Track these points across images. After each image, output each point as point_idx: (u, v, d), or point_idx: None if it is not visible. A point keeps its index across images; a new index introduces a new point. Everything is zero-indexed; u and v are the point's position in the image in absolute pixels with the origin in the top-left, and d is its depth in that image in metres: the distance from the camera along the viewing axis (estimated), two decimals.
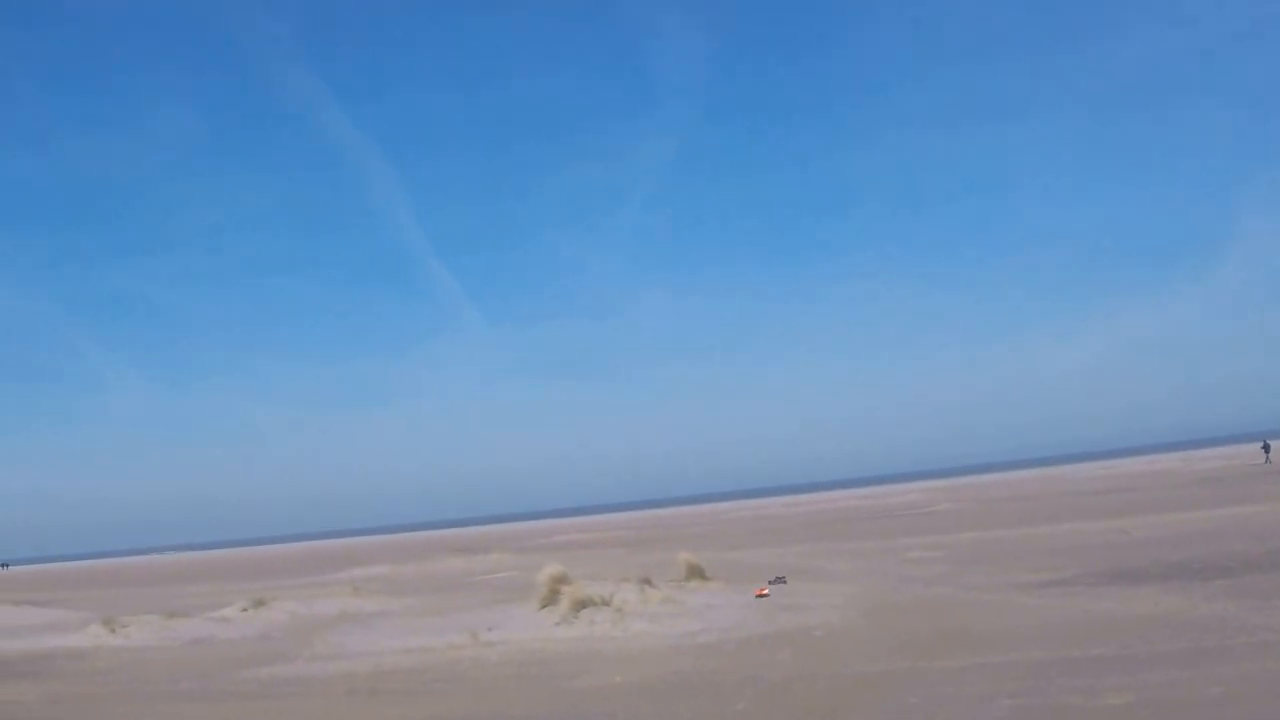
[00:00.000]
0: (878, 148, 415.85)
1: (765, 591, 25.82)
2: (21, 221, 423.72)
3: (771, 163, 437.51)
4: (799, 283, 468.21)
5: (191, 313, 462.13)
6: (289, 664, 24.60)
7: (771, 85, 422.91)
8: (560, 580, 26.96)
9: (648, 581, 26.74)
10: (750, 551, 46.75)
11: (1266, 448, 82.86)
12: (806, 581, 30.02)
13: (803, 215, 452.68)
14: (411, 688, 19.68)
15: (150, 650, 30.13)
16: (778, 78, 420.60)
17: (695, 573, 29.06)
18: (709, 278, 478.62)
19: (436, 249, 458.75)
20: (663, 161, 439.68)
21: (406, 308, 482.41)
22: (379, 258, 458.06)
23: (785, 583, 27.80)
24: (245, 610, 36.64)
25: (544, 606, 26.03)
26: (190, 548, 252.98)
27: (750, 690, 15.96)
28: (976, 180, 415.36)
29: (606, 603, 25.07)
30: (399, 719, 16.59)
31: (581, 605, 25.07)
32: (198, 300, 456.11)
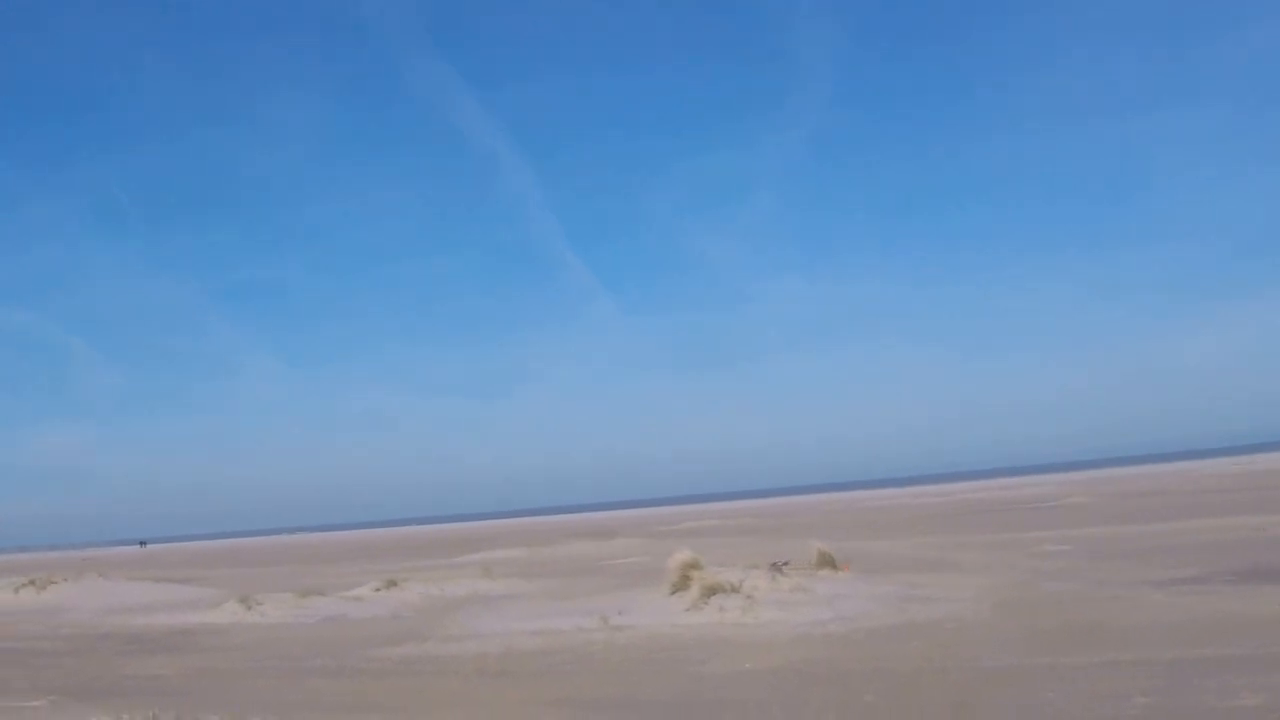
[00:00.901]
0: (1013, 137, 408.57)
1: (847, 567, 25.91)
2: (159, 211, 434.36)
3: (903, 151, 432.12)
4: (929, 271, 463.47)
5: (325, 299, 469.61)
6: (420, 644, 25.00)
7: (904, 73, 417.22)
8: (690, 566, 27.05)
9: (778, 569, 26.74)
10: (881, 541, 46.46)
11: None
12: (937, 573, 29.77)
13: (933, 204, 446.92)
14: (540, 669, 19.90)
15: (285, 628, 30.83)
16: (911, 65, 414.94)
17: (826, 561, 28.99)
18: (838, 266, 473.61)
19: (568, 236, 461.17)
20: (793, 149, 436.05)
21: (537, 294, 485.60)
22: (509, 245, 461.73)
23: (787, 564, 27.93)
24: (378, 590, 37.30)
25: (674, 592, 26.14)
26: (323, 529, 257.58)
27: (879, 681, 15.91)
28: (1113, 171, 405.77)
29: (736, 589, 25.10)
30: (528, 700, 16.77)
31: (711, 591, 25.13)
32: (331, 287, 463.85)
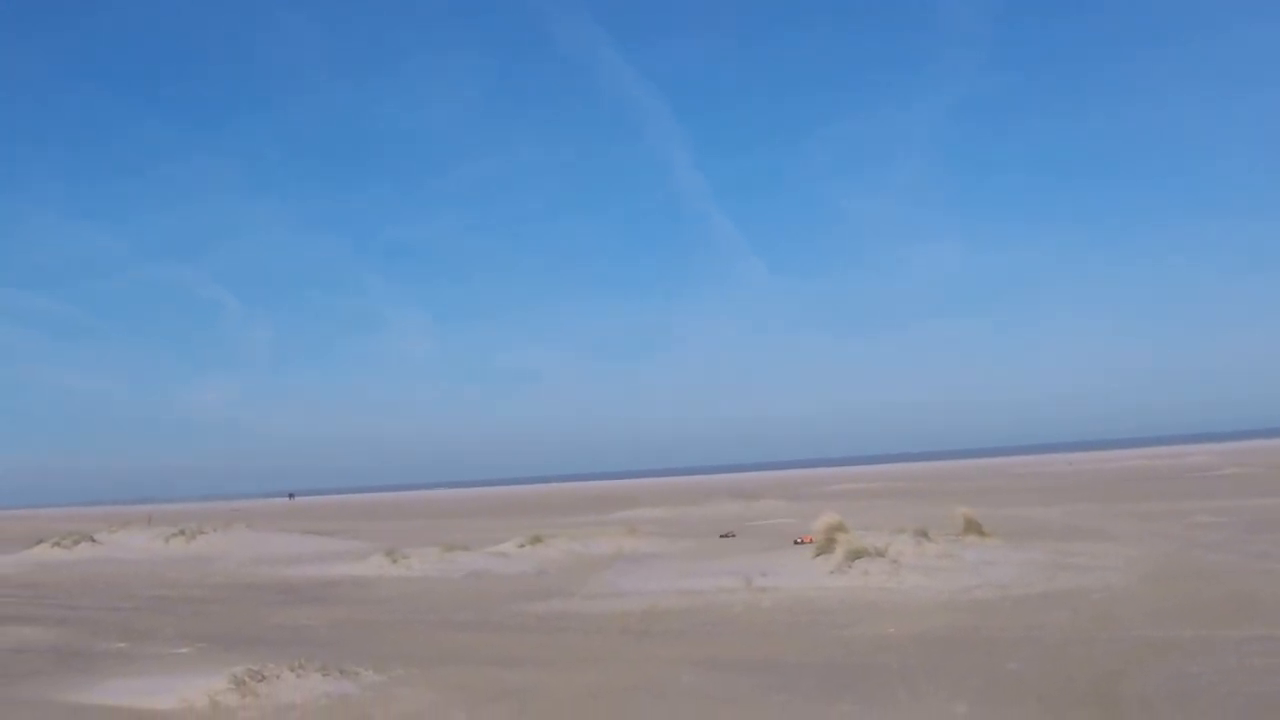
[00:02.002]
0: (1165, 103, 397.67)
1: (809, 539, 25.65)
2: (311, 168, 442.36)
3: (1053, 116, 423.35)
4: (1079, 239, 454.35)
5: (473, 256, 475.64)
6: (564, 600, 25.35)
7: (1056, 35, 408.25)
8: (835, 529, 27.04)
9: (924, 534, 26.59)
10: (1029, 509, 45.87)
11: None
12: (1087, 542, 29.36)
13: (1083, 170, 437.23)
14: (683, 629, 20.08)
15: (430, 581, 31.44)
16: (1065, 27, 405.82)
17: (973, 527, 28.72)
18: (987, 231, 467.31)
19: (716, 196, 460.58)
20: (943, 112, 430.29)
21: (683, 254, 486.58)
22: (657, 204, 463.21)
23: (734, 536, 27.54)
24: (523, 546, 37.80)
25: (818, 555, 26.16)
26: (468, 484, 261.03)
27: (1025, 650, 15.81)
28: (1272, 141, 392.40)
29: (881, 554, 25.03)
30: (670, 659, 16.94)
31: (856, 555, 25.10)
32: (479, 244, 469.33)
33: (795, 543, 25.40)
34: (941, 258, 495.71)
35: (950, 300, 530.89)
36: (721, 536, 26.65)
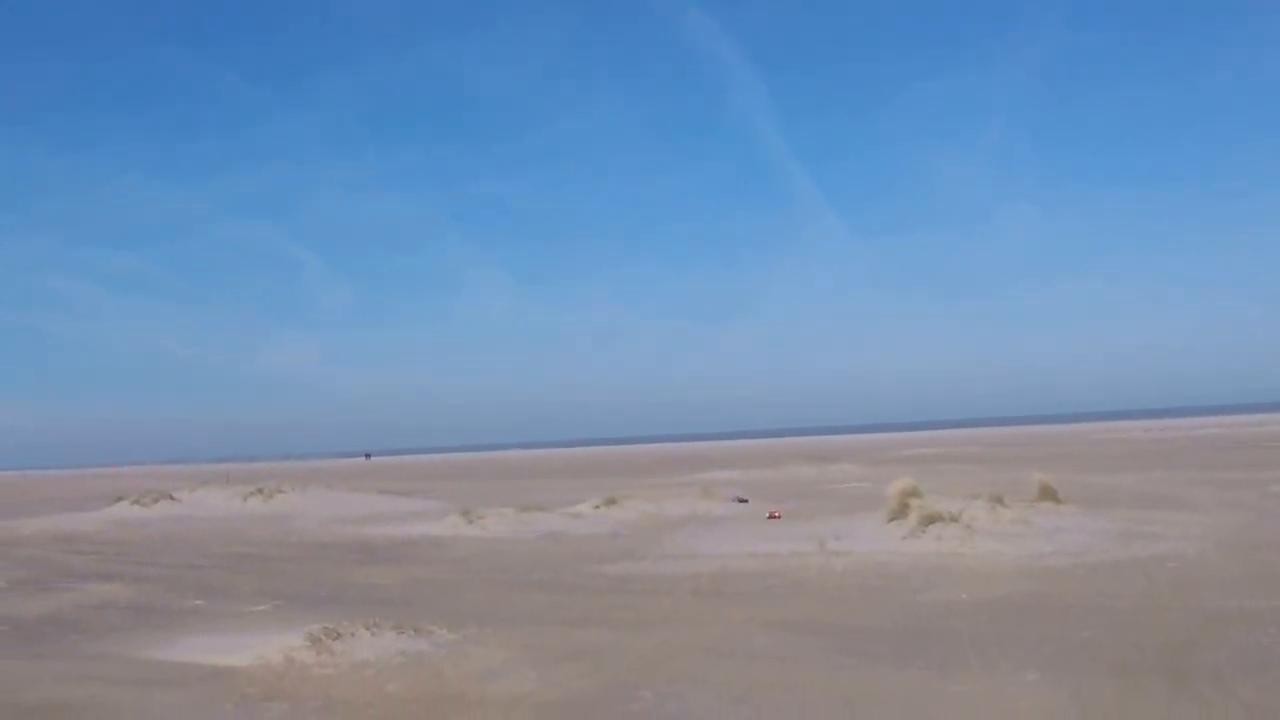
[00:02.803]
0: (1254, 66, 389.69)
1: (779, 514, 24.92)
2: (390, 127, 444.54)
3: (1141, 78, 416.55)
4: (1160, 201, 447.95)
5: (552, 216, 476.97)
6: (637, 562, 25.52)
7: None
8: (910, 494, 27.00)
9: (998, 500, 26.47)
10: (1105, 475, 45.48)
11: None
12: (1162, 510, 29.10)
13: (1165, 133, 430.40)
14: (756, 591, 20.18)
15: (505, 541, 31.74)
16: None
17: (1047, 494, 28.56)
18: (1068, 194, 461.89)
19: (797, 156, 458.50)
20: (1030, 73, 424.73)
21: (765, 214, 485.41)
22: (738, 164, 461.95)
23: (747, 502, 27.09)
24: (597, 508, 38.04)
25: (892, 519, 26.14)
26: (544, 445, 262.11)
27: (1097, 617, 15.76)
28: None
29: (955, 519, 24.99)
30: (742, 621, 17.05)
31: (930, 520, 25.07)
32: (559, 204, 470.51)
33: (769, 517, 25.42)
34: (1023, 221, 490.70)
35: (1030, 264, 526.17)
36: (736, 500, 26.43)
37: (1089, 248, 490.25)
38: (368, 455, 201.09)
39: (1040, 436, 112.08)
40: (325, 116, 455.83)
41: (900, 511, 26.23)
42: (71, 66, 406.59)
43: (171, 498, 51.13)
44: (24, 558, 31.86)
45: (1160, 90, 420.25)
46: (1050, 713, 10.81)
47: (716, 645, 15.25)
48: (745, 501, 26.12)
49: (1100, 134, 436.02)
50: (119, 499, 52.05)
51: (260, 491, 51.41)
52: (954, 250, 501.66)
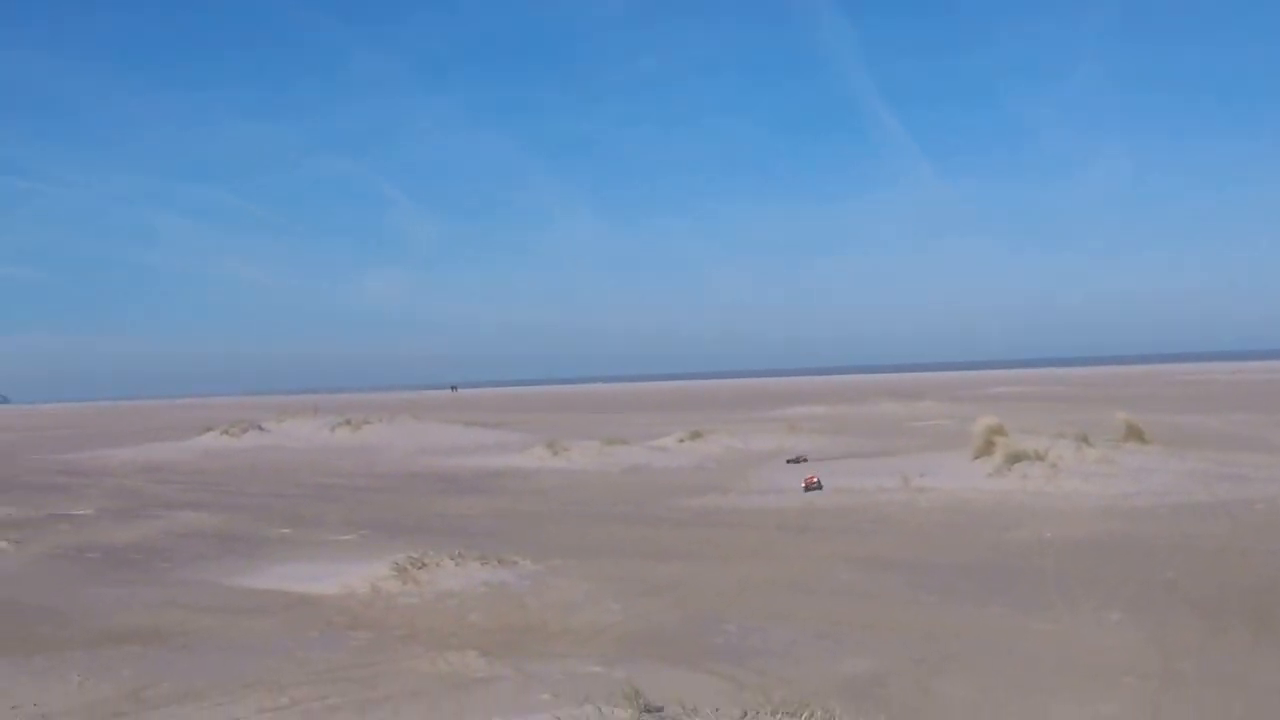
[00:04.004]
0: None
1: (815, 480, 23.56)
2: (479, 64, 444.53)
3: (1228, 29, 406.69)
4: (1246, 150, 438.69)
5: (640, 153, 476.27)
6: (721, 496, 25.64)
7: None
8: (995, 431, 26.86)
9: (1084, 439, 26.26)
10: (1192, 416, 44.85)
11: None
12: (1250, 452, 28.72)
13: (1263, 83, 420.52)
14: (841, 526, 20.25)
15: (590, 474, 32.00)
16: None
17: (1134, 434, 28.26)
18: (1156, 140, 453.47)
19: (885, 98, 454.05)
20: (1117, 18, 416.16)
21: (851, 153, 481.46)
22: (826, 102, 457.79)
23: (806, 462, 25.65)
24: (682, 441, 38.20)
25: (977, 457, 26.05)
26: (629, 379, 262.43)
27: (1181, 558, 15.68)
28: None
29: (1040, 457, 24.84)
30: (826, 556, 17.14)
31: (1015, 458, 24.95)
32: (646, 141, 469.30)
33: (805, 488, 23.14)
34: (1109, 165, 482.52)
35: (1114, 208, 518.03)
36: (789, 461, 25.39)
37: (1173, 192, 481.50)
38: (454, 388, 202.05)
39: (1124, 377, 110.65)
40: (414, 55, 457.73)
41: (985, 449, 26.12)
42: (165, 8, 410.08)
43: (260, 428, 51.96)
44: (113, 487, 32.59)
45: (1247, 40, 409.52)
46: (1132, 653, 10.82)
47: (800, 580, 15.37)
48: (803, 461, 24.93)
49: (1187, 81, 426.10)
50: (208, 429, 52.96)
51: (348, 423, 52.07)
52: (1039, 192, 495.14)
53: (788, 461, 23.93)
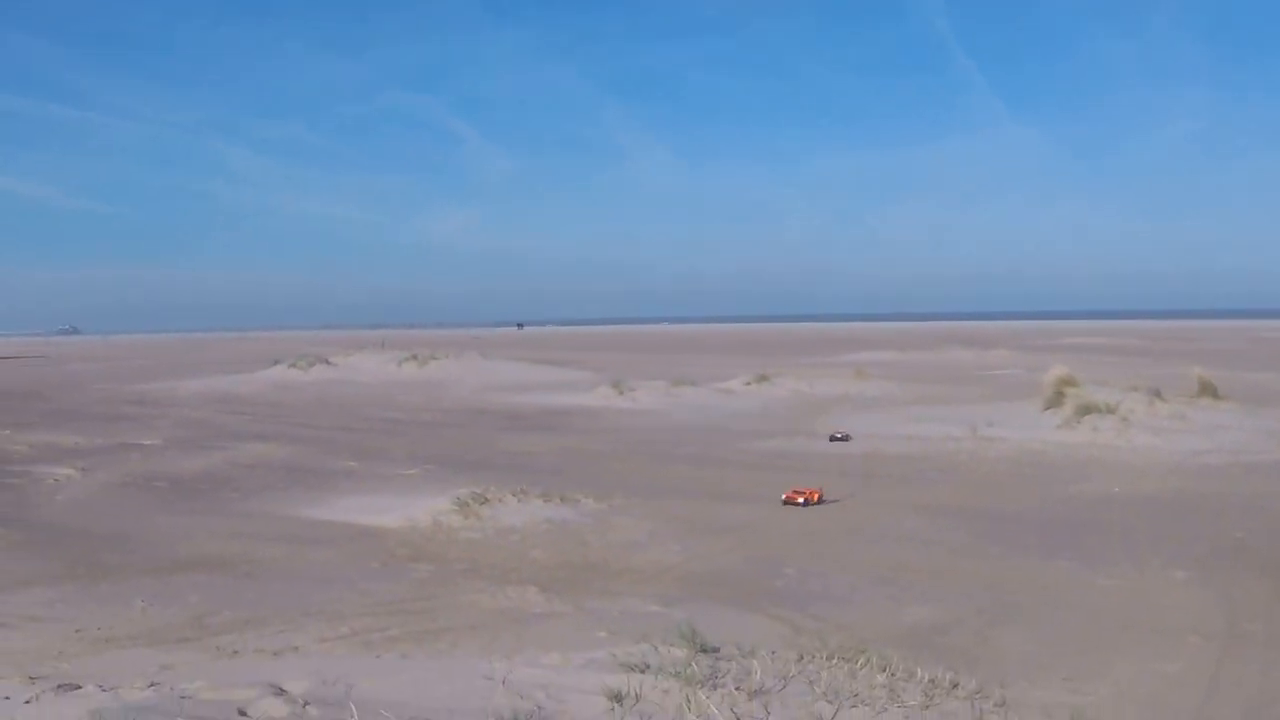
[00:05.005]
0: None
1: (799, 499, 17.31)
2: (554, 2, 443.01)
3: None
4: None
5: (716, 95, 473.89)
6: (788, 439, 25.59)
7: None
8: (1066, 383, 26.59)
9: (1156, 394, 25.93)
10: (1267, 374, 44.14)
11: None
12: None
13: None
14: (906, 474, 20.15)
15: (655, 414, 32.02)
16: None
17: (1207, 390, 27.84)
18: (1236, 89, 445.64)
19: (963, 43, 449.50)
20: None
21: (929, 97, 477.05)
22: (901, 43, 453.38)
23: (849, 440, 23.68)
24: (748, 384, 38.11)
25: (1047, 408, 25.80)
26: (697, 320, 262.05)
27: (1253, 518, 15.45)
28: None
29: (1111, 411, 24.56)
30: (891, 502, 17.07)
31: (1085, 410, 24.69)
32: (722, 83, 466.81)
33: (783, 501, 17.30)
34: (1187, 113, 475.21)
35: (1194, 156, 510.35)
36: (833, 439, 23.26)
37: (1252, 143, 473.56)
38: (520, 325, 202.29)
39: (1200, 331, 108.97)
40: None
41: (1056, 400, 25.87)
42: None
43: (327, 362, 52.41)
44: (182, 418, 33.02)
45: None
46: (1198, 613, 10.68)
47: (863, 526, 15.31)
48: (846, 439, 23.23)
49: (1269, 31, 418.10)
50: (276, 362, 53.47)
51: (415, 358, 52.37)
52: (1115, 139, 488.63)
53: (831, 439, 22.61)
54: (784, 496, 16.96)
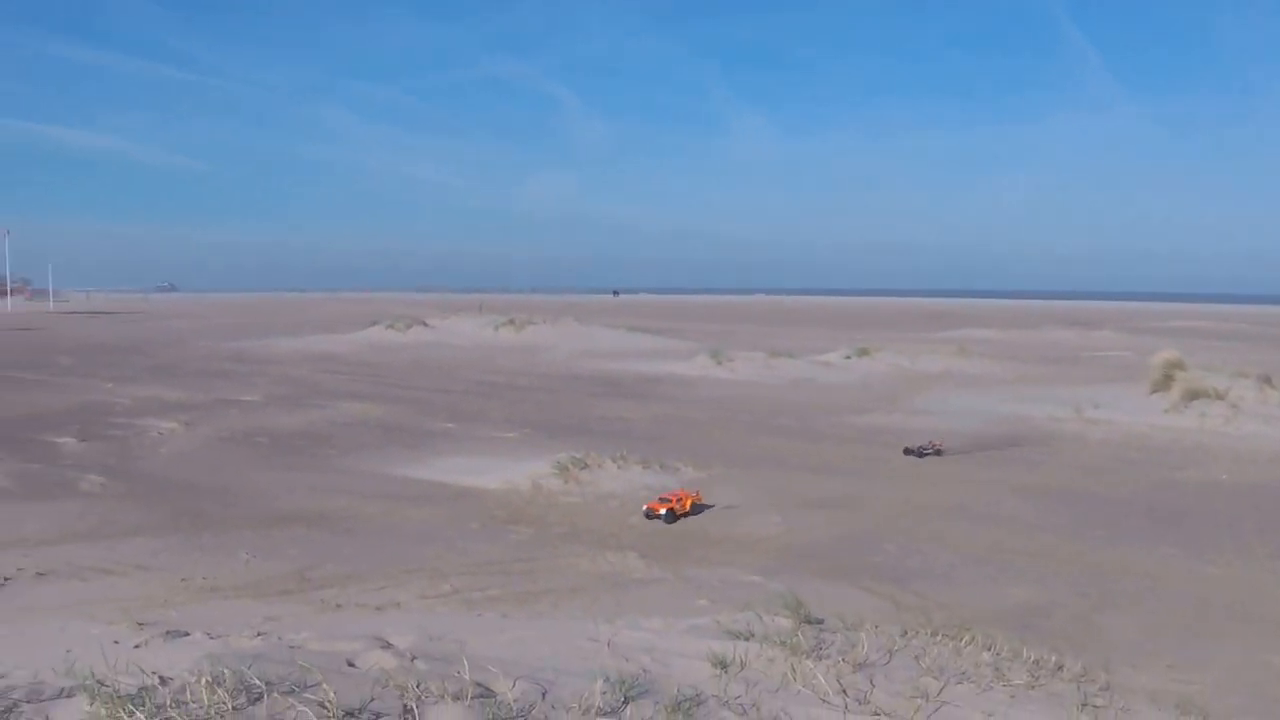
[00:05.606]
0: None
1: (660, 509, 15.01)
2: None
3: None
4: None
5: (819, 67, 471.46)
6: (886, 414, 25.42)
7: None
8: (1174, 366, 26.14)
9: (1266, 380, 25.41)
10: None
11: None
12: None
13: None
14: (1007, 455, 19.92)
15: (753, 385, 31.95)
16: None
17: None
18: None
19: (1078, 20, 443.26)
20: None
21: (1032, 68, 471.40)
22: (1005, 13, 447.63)
23: (939, 454, 20.32)
24: (848, 358, 37.89)
25: (1154, 391, 25.39)
26: (792, 292, 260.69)
27: None
28: None
29: (1220, 396, 24.11)
30: (991, 482, 16.93)
31: (1193, 395, 24.27)
32: (825, 55, 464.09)
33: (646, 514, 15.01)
34: None
35: None
36: (907, 452, 20.36)
37: None
38: (615, 292, 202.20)
39: None
40: None
41: (1163, 384, 25.44)
42: None
43: (424, 324, 52.94)
44: (281, 375, 33.51)
45: None
46: None
47: (963, 505, 15.19)
48: (937, 453, 19.77)
49: None
50: (373, 323, 54.03)
51: (511, 322, 52.66)
52: (1234, 116, 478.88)
53: (905, 451, 19.77)
54: (645, 507, 14.25)
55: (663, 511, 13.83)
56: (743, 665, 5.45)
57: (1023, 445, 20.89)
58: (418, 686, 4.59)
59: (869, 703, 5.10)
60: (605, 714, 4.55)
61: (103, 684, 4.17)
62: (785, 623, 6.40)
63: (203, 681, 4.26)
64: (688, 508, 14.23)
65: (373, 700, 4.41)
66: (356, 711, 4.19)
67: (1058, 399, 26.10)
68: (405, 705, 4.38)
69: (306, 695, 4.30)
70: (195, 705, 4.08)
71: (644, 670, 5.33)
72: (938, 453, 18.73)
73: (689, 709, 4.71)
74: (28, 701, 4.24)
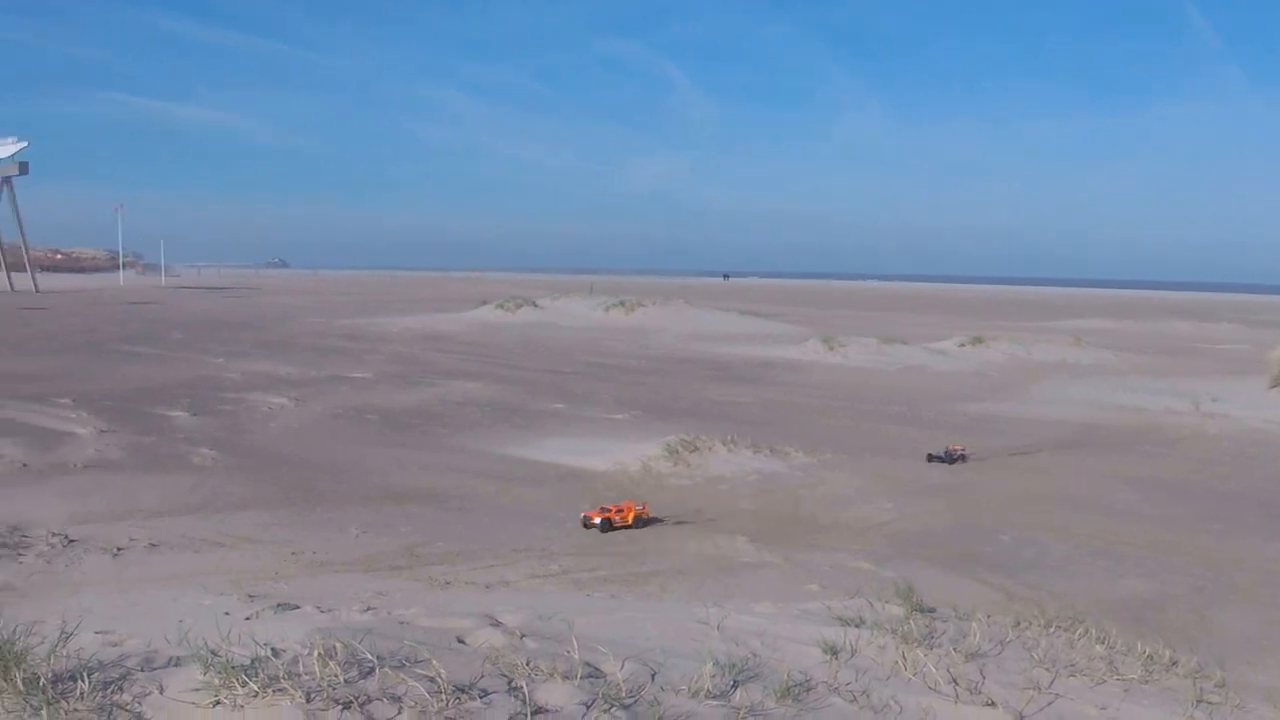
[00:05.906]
0: None
1: (595, 518, 13.96)
2: None
3: None
4: None
5: (935, 50, 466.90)
6: (998, 403, 25.13)
7: None
8: None
9: None
10: None
11: None
12: None
13: None
14: (1123, 445, 19.62)
15: (864, 371, 31.75)
16: None
17: None
18: None
19: (1201, 7, 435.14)
20: None
21: (1151, 54, 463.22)
22: (1132, 6, 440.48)
23: (964, 460, 18.64)
24: (962, 346, 37.51)
25: (1274, 385, 24.84)
26: (907, 278, 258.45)
27: None
28: None
29: None
30: (1106, 473, 16.68)
31: None
32: (942, 39, 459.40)
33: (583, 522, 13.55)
34: None
35: None
36: (930, 458, 18.78)
37: None
38: (725, 276, 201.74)
39: None
40: None
41: None
42: None
43: (534, 304, 53.26)
44: (391, 353, 33.88)
45: None
46: None
47: (1078, 496, 14.97)
48: (961, 458, 18.39)
49: None
50: (483, 303, 54.48)
51: (622, 304, 52.80)
52: None
53: (929, 458, 18.24)
54: (582, 515, 13.01)
55: (598, 521, 12.69)
56: (853, 652, 5.40)
57: (1139, 437, 20.56)
58: (527, 664, 4.59)
59: (980, 693, 5.02)
60: (714, 697, 4.53)
61: (215, 654, 4.21)
62: (897, 610, 6.34)
63: (315, 654, 4.29)
64: (629, 520, 12.97)
65: (482, 677, 4.42)
66: (466, 688, 4.20)
67: (1175, 391, 25.65)
68: (513, 683, 4.39)
69: (417, 670, 4.31)
70: (307, 677, 4.11)
71: (753, 654, 5.29)
72: (963, 459, 17.42)
73: (798, 694, 4.67)
74: (141, 670, 4.30)
